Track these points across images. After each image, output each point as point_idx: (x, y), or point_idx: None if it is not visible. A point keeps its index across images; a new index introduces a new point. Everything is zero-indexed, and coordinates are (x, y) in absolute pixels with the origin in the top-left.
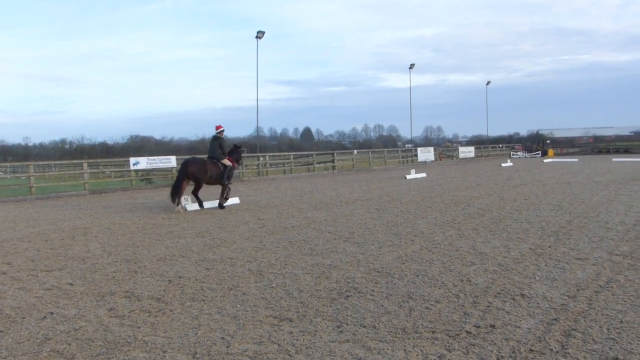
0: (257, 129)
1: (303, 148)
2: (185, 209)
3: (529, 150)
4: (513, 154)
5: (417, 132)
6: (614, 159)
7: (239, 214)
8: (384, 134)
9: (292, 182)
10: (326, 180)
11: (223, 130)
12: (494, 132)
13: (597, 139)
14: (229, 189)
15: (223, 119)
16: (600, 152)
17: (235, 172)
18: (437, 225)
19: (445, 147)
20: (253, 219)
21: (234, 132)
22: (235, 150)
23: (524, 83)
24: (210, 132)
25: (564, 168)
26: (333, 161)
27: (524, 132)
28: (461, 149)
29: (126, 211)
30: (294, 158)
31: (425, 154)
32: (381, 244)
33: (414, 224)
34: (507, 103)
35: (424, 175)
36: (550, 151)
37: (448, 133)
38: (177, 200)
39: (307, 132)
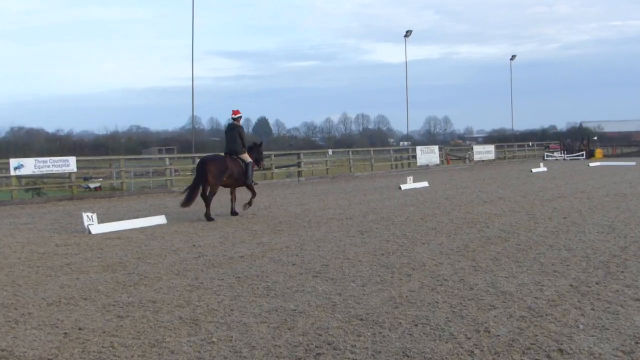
0: (193, 119)
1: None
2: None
3: (568, 149)
4: (547, 155)
5: (416, 124)
6: None
7: (165, 239)
8: (371, 127)
9: (241, 193)
10: (289, 191)
11: (241, 117)
12: (521, 124)
13: None
14: (254, 192)
15: (145, 105)
16: None
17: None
18: (444, 253)
19: (454, 145)
20: (186, 246)
21: (158, 123)
22: (256, 148)
23: (562, 58)
24: (128, 122)
25: (616, 174)
26: (299, 164)
27: (561, 126)
28: (476, 148)
29: (4, 235)
30: None
31: (427, 155)
32: (366, 280)
33: (412, 253)
34: (538, 85)
35: (425, 184)
36: (598, 151)
37: (458, 126)
38: (189, 205)
39: (262, 123)
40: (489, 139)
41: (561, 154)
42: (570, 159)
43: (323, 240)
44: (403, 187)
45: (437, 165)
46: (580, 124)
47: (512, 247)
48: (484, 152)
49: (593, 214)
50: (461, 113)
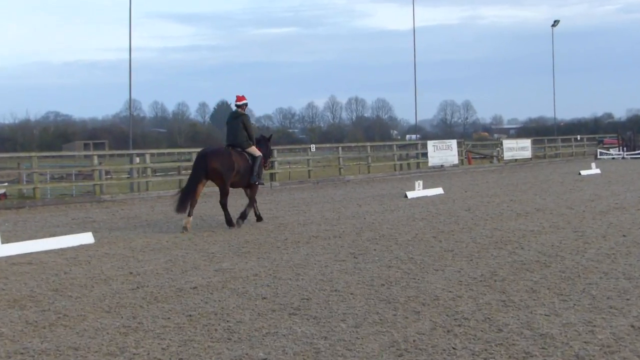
0: (130, 104)
1: (216, 140)
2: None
3: (628, 145)
4: (602, 153)
5: (428, 112)
6: None
7: (92, 264)
8: (367, 115)
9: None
10: (259, 198)
11: (246, 104)
12: (567, 112)
13: None
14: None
15: (65, 86)
16: None
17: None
18: (464, 283)
19: (478, 139)
20: (120, 273)
21: (83, 109)
22: (264, 142)
23: (620, 24)
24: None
25: None
26: (271, 165)
27: (620, 114)
28: (507, 143)
29: None
30: None
31: (442, 153)
32: (360, 319)
33: (421, 282)
34: (589, 61)
35: (439, 191)
36: None
37: (484, 114)
38: (188, 210)
39: (223, 110)
40: (523, 131)
41: (619, 150)
42: (632, 158)
43: (303, 266)
44: (410, 194)
45: (455, 165)
46: None
47: (554, 275)
48: (518, 148)
49: None
50: (487, 97)
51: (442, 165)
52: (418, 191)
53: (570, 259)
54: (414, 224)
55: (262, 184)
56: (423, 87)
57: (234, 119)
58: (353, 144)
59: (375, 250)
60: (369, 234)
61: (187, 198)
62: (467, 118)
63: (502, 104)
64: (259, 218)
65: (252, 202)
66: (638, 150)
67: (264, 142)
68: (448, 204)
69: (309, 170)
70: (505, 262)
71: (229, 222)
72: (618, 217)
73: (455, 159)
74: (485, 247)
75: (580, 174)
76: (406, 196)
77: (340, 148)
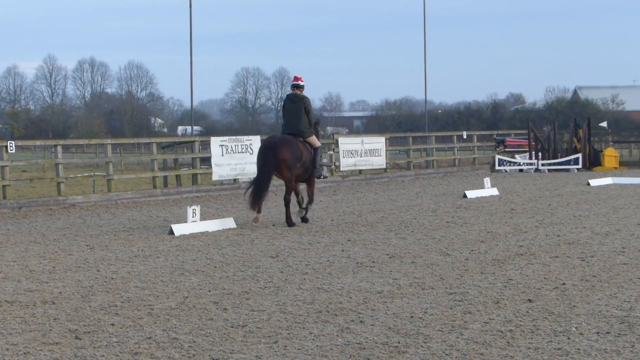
0: None
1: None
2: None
3: (545, 149)
4: (502, 161)
5: (219, 86)
6: None
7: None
8: (111, 90)
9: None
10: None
11: (304, 86)
12: (447, 93)
13: None
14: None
15: None
16: None
17: None
18: None
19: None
20: None
21: None
22: (314, 128)
23: None
24: None
25: None
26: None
27: (535, 96)
28: (346, 142)
29: None
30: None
31: (239, 159)
32: None
33: None
34: (483, 11)
35: (229, 223)
36: (610, 153)
37: (311, 92)
38: (258, 207)
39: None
40: (375, 122)
41: (531, 157)
42: (551, 170)
43: None
44: (177, 229)
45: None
46: (575, 92)
47: None
48: (364, 151)
49: None
50: (314, 64)
51: (235, 180)
52: (193, 224)
53: (440, 341)
54: (183, 280)
55: (326, 176)
56: (205, 44)
57: (294, 103)
58: (84, 142)
59: (113, 325)
60: (104, 297)
61: (261, 193)
62: (282, 98)
63: (341, 76)
64: (304, 219)
65: (312, 198)
66: (561, 156)
67: (313, 128)
68: (243, 245)
69: (3, 186)
70: (334, 346)
71: (290, 219)
72: (522, 270)
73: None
74: (303, 319)
75: (465, 196)
76: (172, 232)
77: (59, 147)
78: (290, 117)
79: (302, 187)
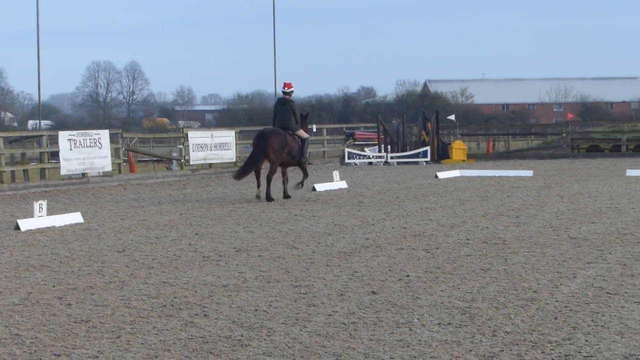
0: None
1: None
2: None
3: (394, 142)
4: (352, 155)
5: (71, 80)
6: None
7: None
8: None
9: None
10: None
11: (293, 91)
12: (303, 87)
13: None
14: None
15: None
16: None
17: None
18: None
19: (151, 129)
20: None
21: None
22: (302, 120)
23: None
24: None
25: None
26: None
27: (385, 89)
28: (196, 136)
29: None
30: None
31: (87, 153)
32: None
33: None
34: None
35: (76, 218)
36: (457, 146)
37: (161, 86)
38: (257, 181)
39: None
40: (227, 115)
41: (380, 150)
42: (400, 162)
43: None
44: (23, 225)
45: (107, 174)
46: (425, 85)
47: None
48: (214, 145)
49: None
50: (166, 58)
51: (84, 174)
52: (39, 219)
53: (283, 334)
54: (28, 275)
55: (311, 163)
56: (57, 38)
57: (283, 105)
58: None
59: None
60: None
61: (248, 168)
62: (133, 92)
63: (193, 70)
64: (285, 195)
65: (305, 173)
66: (410, 148)
67: (302, 121)
68: (90, 240)
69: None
70: (177, 340)
71: (268, 195)
72: (367, 262)
73: (107, 163)
74: (147, 313)
75: (314, 189)
76: (18, 227)
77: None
78: (281, 115)
79: (291, 170)
